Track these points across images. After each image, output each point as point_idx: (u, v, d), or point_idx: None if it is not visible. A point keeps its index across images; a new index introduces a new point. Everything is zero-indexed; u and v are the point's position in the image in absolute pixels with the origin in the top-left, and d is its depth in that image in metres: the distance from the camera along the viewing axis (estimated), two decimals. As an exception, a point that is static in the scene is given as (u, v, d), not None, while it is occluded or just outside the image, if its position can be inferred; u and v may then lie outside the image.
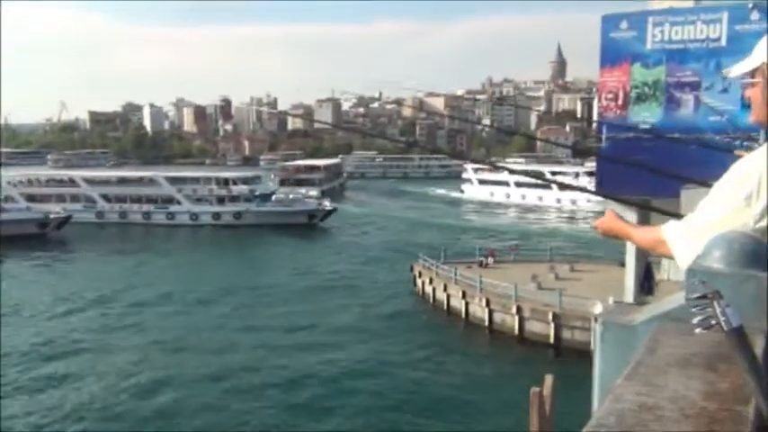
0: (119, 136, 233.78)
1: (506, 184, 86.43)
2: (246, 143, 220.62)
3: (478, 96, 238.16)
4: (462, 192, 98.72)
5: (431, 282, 36.02)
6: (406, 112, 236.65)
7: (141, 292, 40.15)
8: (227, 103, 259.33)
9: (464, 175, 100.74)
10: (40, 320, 34.44)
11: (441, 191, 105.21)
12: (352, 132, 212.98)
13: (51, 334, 31.65)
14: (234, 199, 67.05)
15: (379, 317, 33.61)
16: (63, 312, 35.76)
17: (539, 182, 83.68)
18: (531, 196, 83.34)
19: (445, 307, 34.18)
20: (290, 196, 71.17)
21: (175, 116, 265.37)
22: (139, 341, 30.34)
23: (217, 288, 40.13)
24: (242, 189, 67.74)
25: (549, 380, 7.05)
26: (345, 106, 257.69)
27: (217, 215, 66.52)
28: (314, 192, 77.82)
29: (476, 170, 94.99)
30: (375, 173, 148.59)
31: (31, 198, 68.68)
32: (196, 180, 70.24)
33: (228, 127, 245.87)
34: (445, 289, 34.35)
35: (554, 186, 72.61)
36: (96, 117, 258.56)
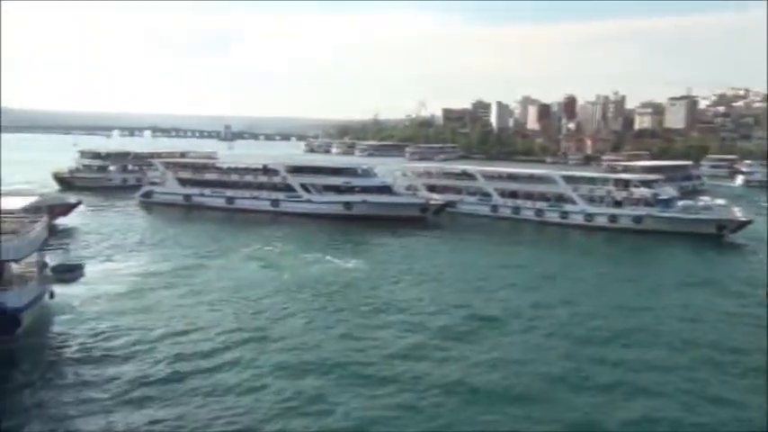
0: (467, 132, 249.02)
1: None
2: (589, 142, 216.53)
3: None
4: None
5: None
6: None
7: (526, 282, 41.11)
8: (571, 101, 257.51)
9: None
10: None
11: None
12: (709, 133, 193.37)
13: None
14: (634, 202, 64.59)
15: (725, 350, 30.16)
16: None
17: None
18: None
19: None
20: (700, 203, 65.35)
21: (520, 114, 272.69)
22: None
23: (606, 298, 38.15)
24: (643, 192, 64.87)
25: None
26: (702, 105, 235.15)
27: (613, 217, 64.68)
28: (720, 199, 68.65)
29: None
30: None
31: (431, 188, 76.43)
32: (591, 180, 69.54)
33: (571, 125, 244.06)
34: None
35: None
36: (448, 114, 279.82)
